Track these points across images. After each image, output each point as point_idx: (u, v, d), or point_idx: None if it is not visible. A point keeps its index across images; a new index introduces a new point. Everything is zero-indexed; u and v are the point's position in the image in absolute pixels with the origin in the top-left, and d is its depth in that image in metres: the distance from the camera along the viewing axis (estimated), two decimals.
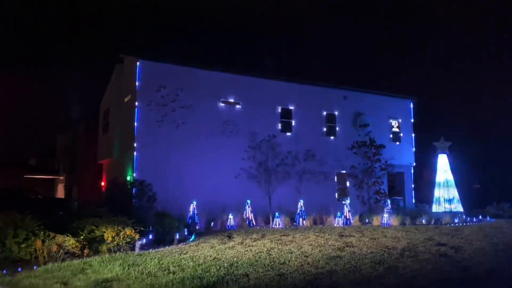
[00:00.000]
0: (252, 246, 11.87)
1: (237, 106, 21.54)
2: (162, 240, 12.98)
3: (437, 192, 22.83)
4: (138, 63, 19.59)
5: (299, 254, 10.48)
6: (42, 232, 10.39)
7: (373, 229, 15.86)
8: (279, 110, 22.72)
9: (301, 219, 18.91)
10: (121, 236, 11.28)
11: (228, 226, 17.42)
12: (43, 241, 10.19)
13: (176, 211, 15.81)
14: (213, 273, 8.44)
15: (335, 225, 18.31)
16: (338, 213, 19.01)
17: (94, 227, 11.26)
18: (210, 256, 10.40)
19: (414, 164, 26.87)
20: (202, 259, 9.92)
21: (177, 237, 13.33)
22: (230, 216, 17.65)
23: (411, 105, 27.31)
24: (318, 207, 19.89)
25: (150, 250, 11.58)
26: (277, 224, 18.02)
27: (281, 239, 12.98)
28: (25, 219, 10.69)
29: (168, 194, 17.76)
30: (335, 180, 23.76)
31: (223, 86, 21.29)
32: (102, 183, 23.69)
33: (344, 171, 23.48)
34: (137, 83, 19.44)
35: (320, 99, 23.98)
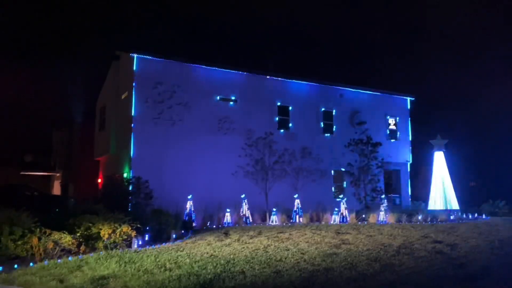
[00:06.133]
0: (248, 243, 11.88)
1: (234, 103, 21.54)
2: (159, 237, 12.98)
3: (433, 190, 22.89)
4: (134, 59, 19.56)
5: (296, 251, 10.50)
6: (38, 229, 10.36)
7: (369, 227, 15.91)
8: (276, 108, 22.74)
9: (297, 216, 18.94)
10: (118, 233, 11.27)
11: (225, 223, 17.43)
12: (39, 238, 10.16)
13: (173, 208, 15.80)
14: (209, 270, 8.45)
15: (332, 222, 18.35)
16: (335, 210, 19.04)
17: (90, 224, 11.24)
18: (207, 253, 10.41)
19: (411, 161, 26.95)
20: (199, 256, 9.92)
21: (174, 234, 13.33)
22: (227, 213, 17.65)
23: (408, 103, 27.37)
24: (315, 205, 19.92)
25: (147, 247, 11.58)
26: (274, 221, 18.04)
27: (278, 236, 13.01)
28: (21, 216, 10.66)
29: (164, 191, 17.75)
30: (332, 177, 23.82)
31: (220, 83, 21.29)
32: (99, 180, 23.64)
33: (340, 169, 23.53)
34: (133, 79, 19.41)
35: (317, 97, 24.01)
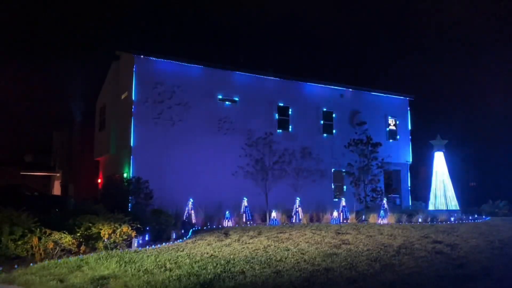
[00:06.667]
0: (248, 243, 11.88)
1: (234, 104, 21.55)
2: (159, 237, 12.99)
3: (433, 190, 22.90)
4: (134, 60, 19.57)
5: (296, 252, 10.50)
6: (38, 229, 10.37)
7: (369, 227, 15.91)
8: (276, 108, 22.75)
9: (297, 217, 18.93)
10: (118, 233, 11.28)
11: (225, 223, 17.42)
12: (40, 238, 10.17)
13: (173, 208, 15.82)
14: (209, 270, 8.45)
15: (332, 222, 18.34)
16: (335, 210, 19.03)
17: (90, 224, 11.25)
18: (207, 253, 10.41)
19: (411, 162, 26.95)
20: (199, 256, 9.92)
21: (174, 234, 13.34)
22: (227, 213, 17.65)
23: (408, 103, 27.37)
24: (315, 205, 19.93)
25: (147, 247, 11.58)
26: (274, 221, 18.03)
27: (278, 237, 13.00)
28: (21, 216, 10.67)
29: (164, 191, 17.75)
30: (332, 177, 23.82)
31: (220, 83, 21.30)
32: (99, 180, 23.65)
33: (340, 169, 23.52)
34: (133, 80, 19.42)
35: (317, 97, 24.01)
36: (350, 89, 25.29)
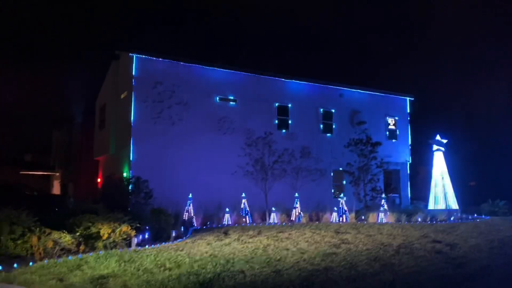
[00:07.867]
0: (248, 242, 11.88)
1: (233, 103, 21.55)
2: (159, 236, 12.99)
3: (433, 190, 22.88)
4: (134, 59, 19.57)
5: (295, 251, 10.50)
6: (38, 229, 10.39)
7: (369, 226, 15.91)
8: (276, 107, 22.75)
9: (297, 216, 18.91)
10: (117, 233, 11.28)
11: (225, 222, 17.40)
12: (39, 238, 10.18)
13: (173, 207, 15.80)
14: (209, 270, 8.46)
15: (331, 222, 18.32)
16: (334, 210, 19.02)
17: (90, 224, 11.26)
18: (207, 252, 10.41)
19: (410, 161, 26.95)
20: (198, 256, 9.92)
21: (174, 233, 13.33)
22: (227, 213, 17.64)
23: (408, 103, 27.36)
24: (315, 204, 19.90)
25: (147, 246, 11.59)
26: (273, 220, 18.02)
27: (277, 236, 12.99)
28: (21, 216, 10.68)
29: (164, 190, 17.73)
30: (331, 177, 23.82)
31: (220, 83, 21.30)
32: (98, 180, 23.63)
33: (340, 168, 23.50)
34: (133, 79, 19.43)
35: (316, 97, 24.02)
36: (350, 89, 25.28)
